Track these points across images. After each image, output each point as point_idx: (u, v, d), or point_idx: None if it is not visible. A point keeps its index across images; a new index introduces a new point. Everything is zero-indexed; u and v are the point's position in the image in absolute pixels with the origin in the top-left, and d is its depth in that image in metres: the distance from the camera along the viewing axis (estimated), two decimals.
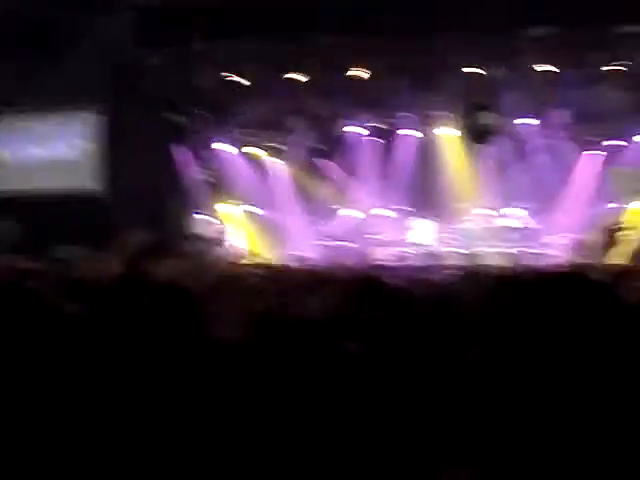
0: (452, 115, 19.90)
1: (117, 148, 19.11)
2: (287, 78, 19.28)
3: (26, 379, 3.55)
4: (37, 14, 19.24)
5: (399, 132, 20.72)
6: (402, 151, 20.63)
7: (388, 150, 20.70)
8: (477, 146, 19.37)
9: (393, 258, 19.01)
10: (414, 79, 18.72)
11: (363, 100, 20.16)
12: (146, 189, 19.21)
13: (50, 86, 20.53)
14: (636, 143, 19.48)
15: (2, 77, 19.80)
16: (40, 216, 18.95)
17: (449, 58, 18.13)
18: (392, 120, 20.82)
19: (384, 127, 20.95)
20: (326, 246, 19.66)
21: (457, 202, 19.80)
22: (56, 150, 20.52)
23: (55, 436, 3.32)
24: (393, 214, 20.39)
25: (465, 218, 19.82)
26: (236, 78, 19.68)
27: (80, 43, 19.98)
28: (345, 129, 20.95)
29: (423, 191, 19.90)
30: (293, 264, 13.49)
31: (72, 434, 3.35)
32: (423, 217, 19.85)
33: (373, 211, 20.61)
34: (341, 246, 19.76)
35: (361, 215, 20.81)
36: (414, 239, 19.80)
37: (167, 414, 3.65)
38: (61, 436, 3.32)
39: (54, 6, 18.73)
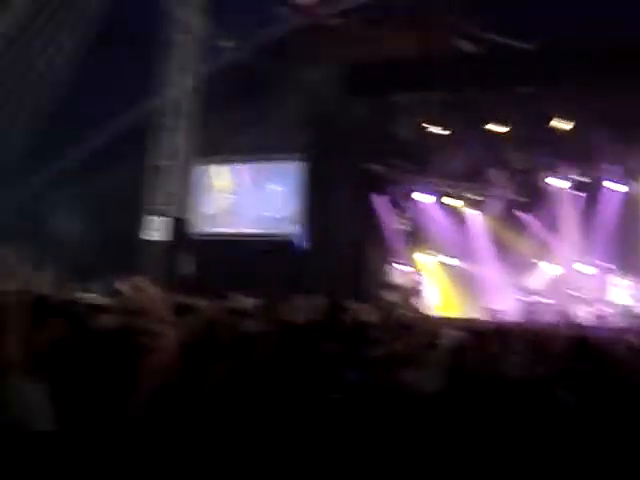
0: None
1: (318, 196, 19.66)
2: (487, 129, 19.18)
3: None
4: (244, 67, 20.29)
5: (603, 185, 19.92)
6: (606, 205, 19.82)
7: (591, 204, 19.95)
8: None
9: (593, 316, 18.28)
10: (619, 130, 18.12)
11: (565, 152, 19.67)
12: (345, 237, 19.63)
13: (256, 135, 21.54)
14: None
15: (211, 127, 20.96)
16: (241, 259, 19.79)
17: None
18: (596, 173, 20.12)
19: (587, 180, 20.26)
20: (524, 301, 19.20)
21: None
22: (260, 196, 21.41)
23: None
24: (594, 270, 19.55)
25: None
26: (436, 129, 19.81)
27: (285, 94, 20.87)
28: (546, 181, 20.42)
29: (627, 248, 18.92)
30: (493, 320, 13.26)
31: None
32: (625, 275, 18.78)
33: (574, 266, 19.88)
34: (539, 301, 19.23)
35: (561, 270, 20.18)
36: (615, 297, 18.84)
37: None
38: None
39: (261, 58, 19.64)
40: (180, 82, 20.62)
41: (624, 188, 19.74)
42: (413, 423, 4.88)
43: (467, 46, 19.07)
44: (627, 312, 18.13)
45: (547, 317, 17.56)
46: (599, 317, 18.16)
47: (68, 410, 3.30)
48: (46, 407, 3.29)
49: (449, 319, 8.08)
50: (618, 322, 17.74)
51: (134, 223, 20.38)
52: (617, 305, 18.57)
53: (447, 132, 19.61)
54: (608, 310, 18.58)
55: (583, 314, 18.46)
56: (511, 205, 21.12)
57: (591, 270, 19.54)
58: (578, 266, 19.74)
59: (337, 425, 4.19)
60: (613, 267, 19.08)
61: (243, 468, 3.36)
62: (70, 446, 3.13)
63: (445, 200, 21.81)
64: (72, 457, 3.10)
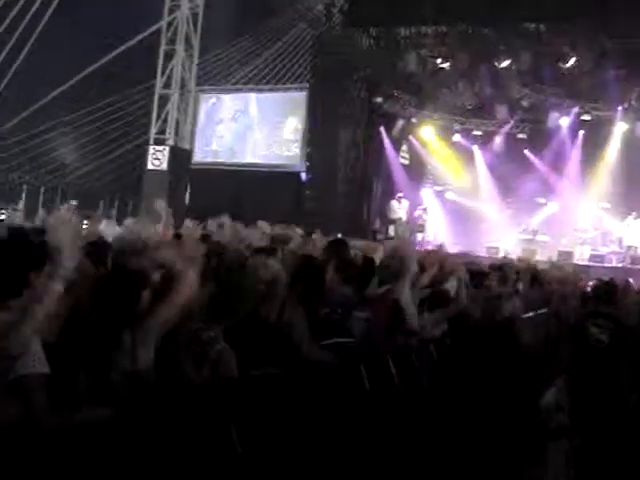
0: None
1: (324, 128, 19.52)
2: (494, 64, 18.97)
3: None
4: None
5: (615, 125, 19.76)
6: (611, 144, 19.79)
7: (596, 143, 19.89)
8: None
9: (594, 256, 18.20)
10: (624, 70, 18.01)
11: (571, 90, 19.56)
12: (350, 169, 19.60)
13: (262, 65, 21.36)
14: None
15: (215, 55, 20.83)
16: (243, 190, 19.79)
17: None
18: (601, 112, 19.99)
19: (593, 119, 20.11)
20: (525, 240, 19.20)
21: None
22: (265, 127, 21.28)
23: None
24: (599, 211, 19.40)
25: None
26: (443, 63, 19.61)
27: (290, 23, 20.63)
28: (553, 119, 20.25)
29: (633, 189, 18.69)
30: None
31: None
32: (632, 215, 18.45)
33: (578, 206, 19.76)
34: (542, 241, 19.22)
35: (563, 209, 20.06)
36: (622, 238, 18.64)
37: None
38: None
39: None
40: (182, 8, 20.27)
41: (626, 127, 19.65)
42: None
43: None
44: (628, 253, 18.04)
45: (546, 255, 17.59)
46: (599, 257, 18.12)
47: None
48: None
49: (453, 256, 8.08)
50: (620, 262, 17.75)
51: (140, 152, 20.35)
52: (622, 246, 18.40)
53: (454, 67, 19.37)
54: (609, 250, 18.53)
55: (584, 253, 18.49)
56: (516, 142, 21.05)
57: (597, 210, 19.40)
58: (583, 205, 19.63)
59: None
60: (619, 207, 18.92)
61: None
62: None
63: (450, 136, 21.72)
64: None
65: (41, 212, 13.44)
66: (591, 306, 6.49)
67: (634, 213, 18.36)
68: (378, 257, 6.11)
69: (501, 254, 16.99)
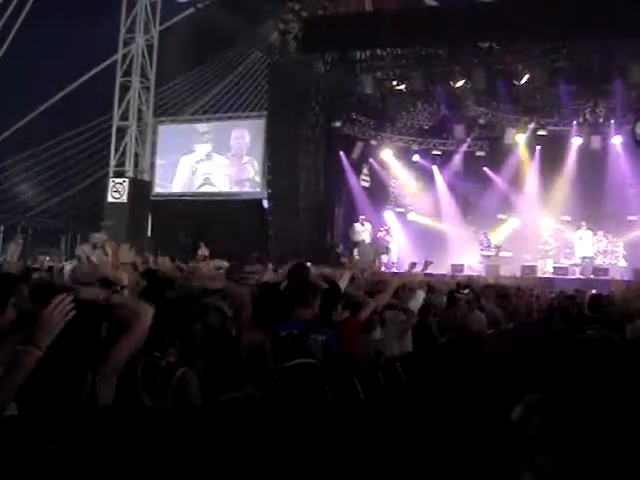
0: (624, 122, 19.04)
1: (283, 154, 19.49)
2: (449, 84, 19.12)
3: None
4: (201, 23, 19.97)
5: (571, 140, 19.99)
6: (567, 159, 20.02)
7: (552, 157, 20.11)
8: None
9: (556, 269, 18.45)
10: (578, 85, 18.29)
11: (529, 107, 19.82)
12: (311, 195, 19.57)
13: (217, 94, 21.36)
14: None
15: (170, 86, 20.86)
16: (206, 219, 19.69)
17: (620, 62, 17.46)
18: (560, 128, 20.22)
19: (549, 134, 20.31)
20: (488, 256, 19.29)
21: (626, 214, 18.90)
22: (224, 156, 21.20)
23: None
24: (558, 225, 19.72)
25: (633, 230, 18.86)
26: (399, 85, 19.72)
27: (244, 51, 20.68)
28: (510, 136, 20.42)
29: (591, 201, 19.03)
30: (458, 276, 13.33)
31: None
32: (589, 228, 18.78)
33: (537, 221, 19.99)
34: (504, 257, 19.33)
35: (523, 224, 20.24)
36: (579, 251, 18.93)
37: None
38: None
39: (218, 14, 19.19)
40: (137, 40, 20.24)
41: (590, 141, 19.84)
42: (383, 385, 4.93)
43: (429, 1, 18.95)
44: (589, 264, 18.27)
45: (510, 271, 17.74)
46: (562, 269, 18.34)
47: None
48: None
49: (416, 276, 8.09)
50: (581, 274, 17.97)
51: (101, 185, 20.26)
52: (582, 258, 18.63)
53: (410, 88, 19.50)
54: (571, 262, 18.78)
55: (547, 267, 18.70)
56: (475, 160, 21.18)
57: (555, 224, 19.69)
58: (543, 220, 19.88)
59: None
60: (577, 220, 19.18)
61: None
62: None
63: (410, 157, 21.80)
64: None
65: None
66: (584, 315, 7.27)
67: (584, 223, 18.66)
68: (344, 283, 6.06)
69: (466, 272, 17.08)
